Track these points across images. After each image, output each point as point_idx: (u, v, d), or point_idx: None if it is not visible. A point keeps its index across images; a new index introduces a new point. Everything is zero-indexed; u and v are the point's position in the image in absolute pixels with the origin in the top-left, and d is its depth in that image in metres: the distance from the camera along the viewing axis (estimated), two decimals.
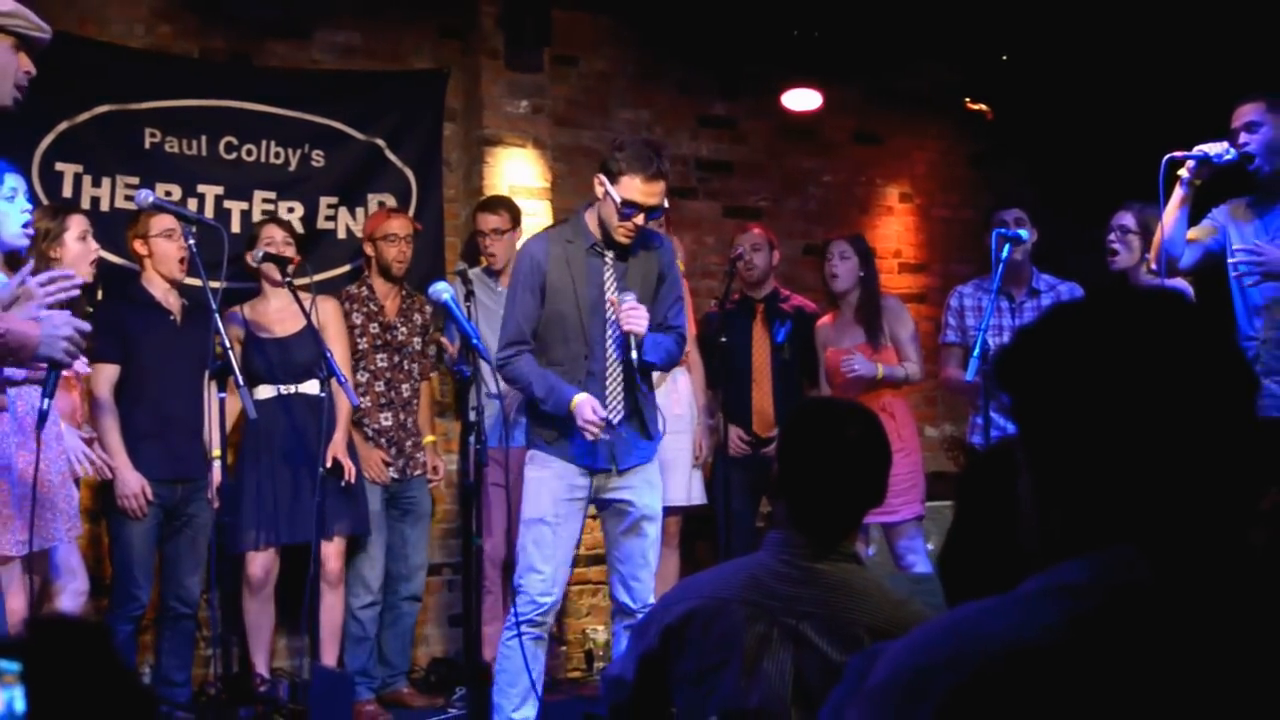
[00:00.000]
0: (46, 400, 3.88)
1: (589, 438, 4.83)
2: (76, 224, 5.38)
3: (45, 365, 3.80)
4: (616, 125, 7.84)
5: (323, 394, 5.91)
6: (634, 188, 4.86)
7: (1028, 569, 1.41)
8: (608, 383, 5.00)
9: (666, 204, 5.02)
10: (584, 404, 4.83)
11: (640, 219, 4.92)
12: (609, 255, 5.01)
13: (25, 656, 1.39)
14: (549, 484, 4.94)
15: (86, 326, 3.79)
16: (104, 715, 1.42)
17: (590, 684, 6.82)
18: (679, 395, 6.62)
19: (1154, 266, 5.47)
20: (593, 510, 5.24)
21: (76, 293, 3.88)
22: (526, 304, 4.96)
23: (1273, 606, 1.31)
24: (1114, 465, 1.33)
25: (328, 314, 6.05)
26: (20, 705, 1.35)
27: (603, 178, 4.94)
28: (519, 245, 6.39)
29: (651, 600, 5.01)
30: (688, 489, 6.65)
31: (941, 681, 1.27)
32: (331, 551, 6.09)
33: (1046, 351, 1.41)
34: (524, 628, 4.86)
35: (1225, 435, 1.35)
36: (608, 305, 4.96)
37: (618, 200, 4.87)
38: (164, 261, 5.88)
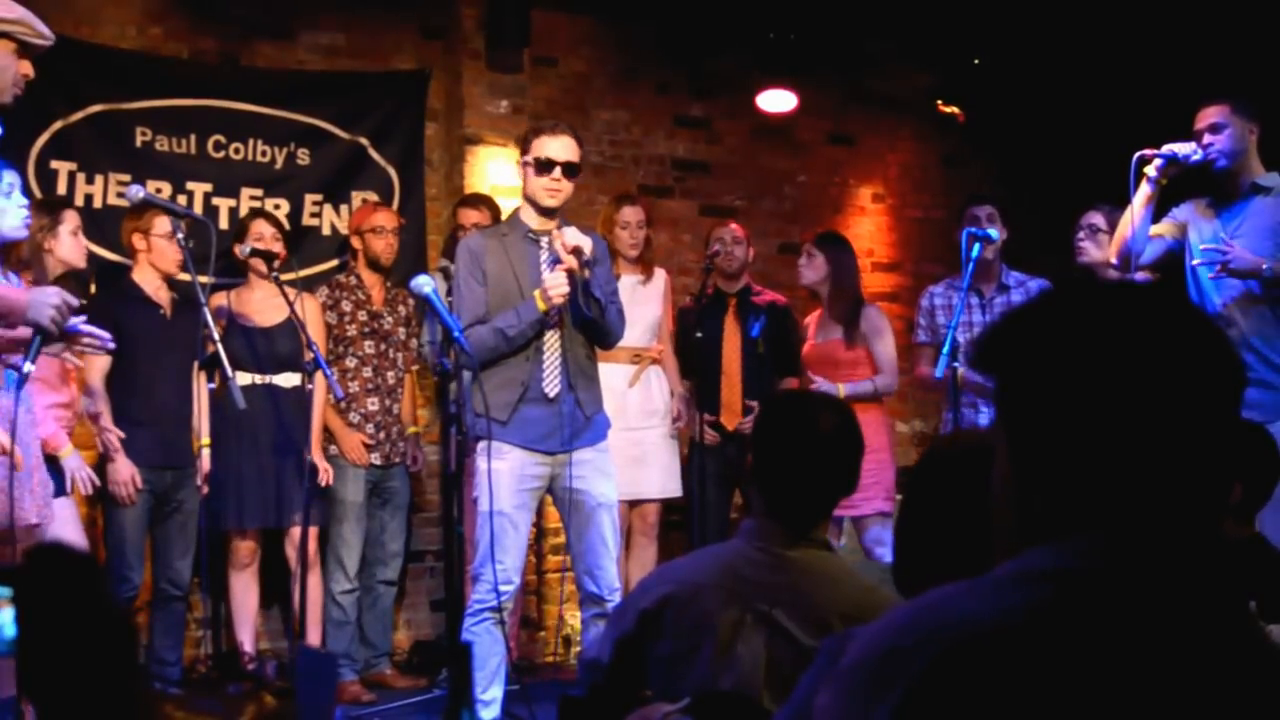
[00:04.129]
0: (28, 363, 3.99)
1: (564, 277, 4.94)
2: (70, 219, 5.52)
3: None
4: (595, 125, 7.97)
5: (301, 385, 6.06)
6: (543, 146, 5.07)
7: (980, 555, 1.46)
8: (544, 358, 5.08)
9: (578, 163, 5.16)
10: (545, 285, 4.96)
11: (558, 174, 5.07)
12: (544, 240, 5.13)
13: (18, 582, 1.53)
14: (505, 476, 4.99)
15: (75, 301, 3.94)
16: (85, 639, 1.53)
17: (567, 667, 6.95)
18: (651, 391, 6.68)
19: (1114, 261, 5.57)
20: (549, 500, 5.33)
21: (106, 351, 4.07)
22: (473, 290, 5.07)
23: (1238, 597, 1.34)
24: (1094, 452, 1.33)
25: (309, 310, 6.17)
26: (10, 630, 1.51)
27: (521, 158, 5.17)
28: None
29: (617, 585, 5.12)
30: (664, 481, 6.71)
31: (912, 663, 1.28)
32: (310, 535, 6.21)
33: (1033, 334, 1.40)
34: (486, 613, 4.95)
35: (1207, 427, 1.35)
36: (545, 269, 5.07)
37: (533, 161, 5.08)
38: (161, 258, 6.00)
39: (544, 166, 5.06)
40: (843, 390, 6.40)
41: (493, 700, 4.98)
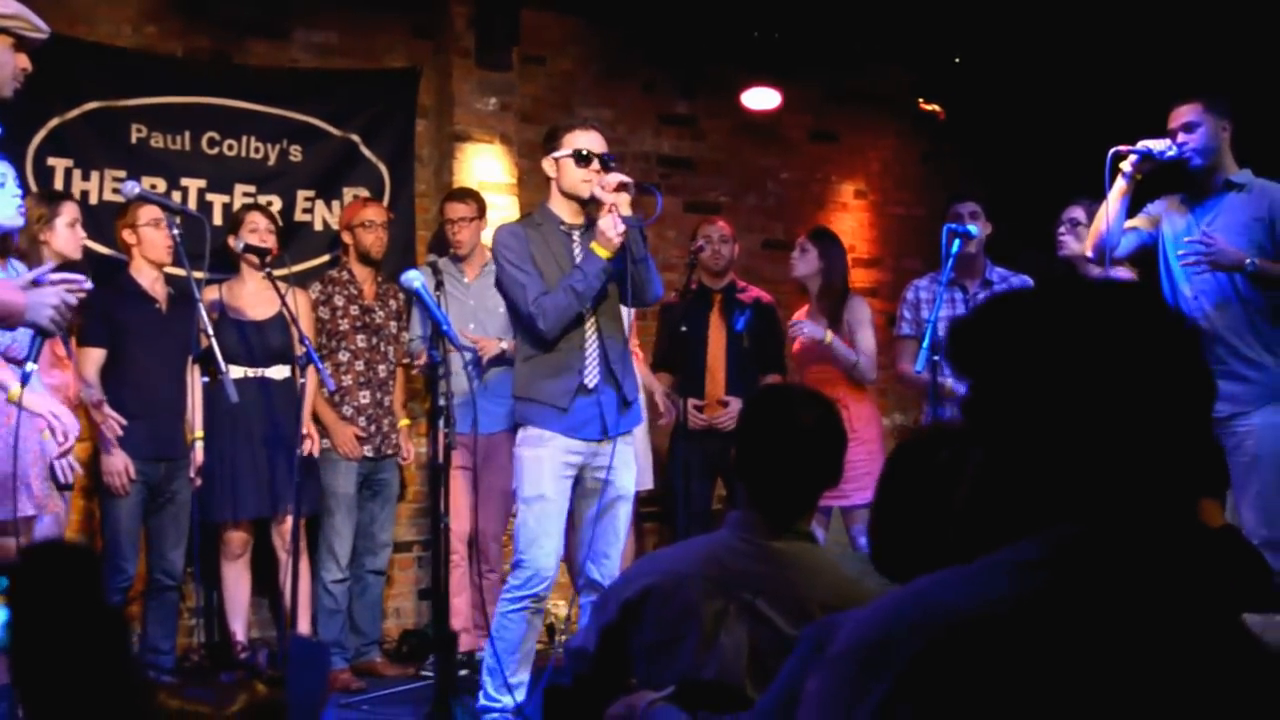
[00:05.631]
0: (30, 364, 4.05)
1: (625, 200, 4.97)
2: (68, 211, 5.58)
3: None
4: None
5: (292, 378, 6.14)
6: (577, 139, 5.11)
7: (952, 543, 1.47)
8: (586, 349, 5.09)
9: (613, 157, 5.19)
10: (600, 230, 4.97)
11: (596, 165, 5.09)
12: (576, 234, 5.15)
13: (14, 576, 1.59)
14: (546, 462, 5.01)
15: (74, 299, 3.97)
16: (78, 635, 1.57)
17: (554, 656, 6.93)
18: None
19: (1089, 254, 5.63)
20: None
21: (84, 293, 4.05)
22: (528, 270, 5.04)
23: (1215, 586, 1.36)
24: (1072, 446, 1.35)
25: (300, 305, 6.25)
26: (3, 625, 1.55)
27: (550, 156, 5.16)
28: (484, 235, 6.58)
29: (617, 574, 5.11)
30: (639, 475, 6.65)
31: (902, 649, 1.29)
32: (299, 526, 6.29)
33: (1008, 327, 1.42)
34: (528, 601, 4.99)
35: (1181, 421, 1.37)
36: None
37: (570, 154, 5.10)
38: (152, 248, 6.06)
39: (583, 159, 5.09)
40: (829, 336, 6.49)
41: (520, 684, 5.06)
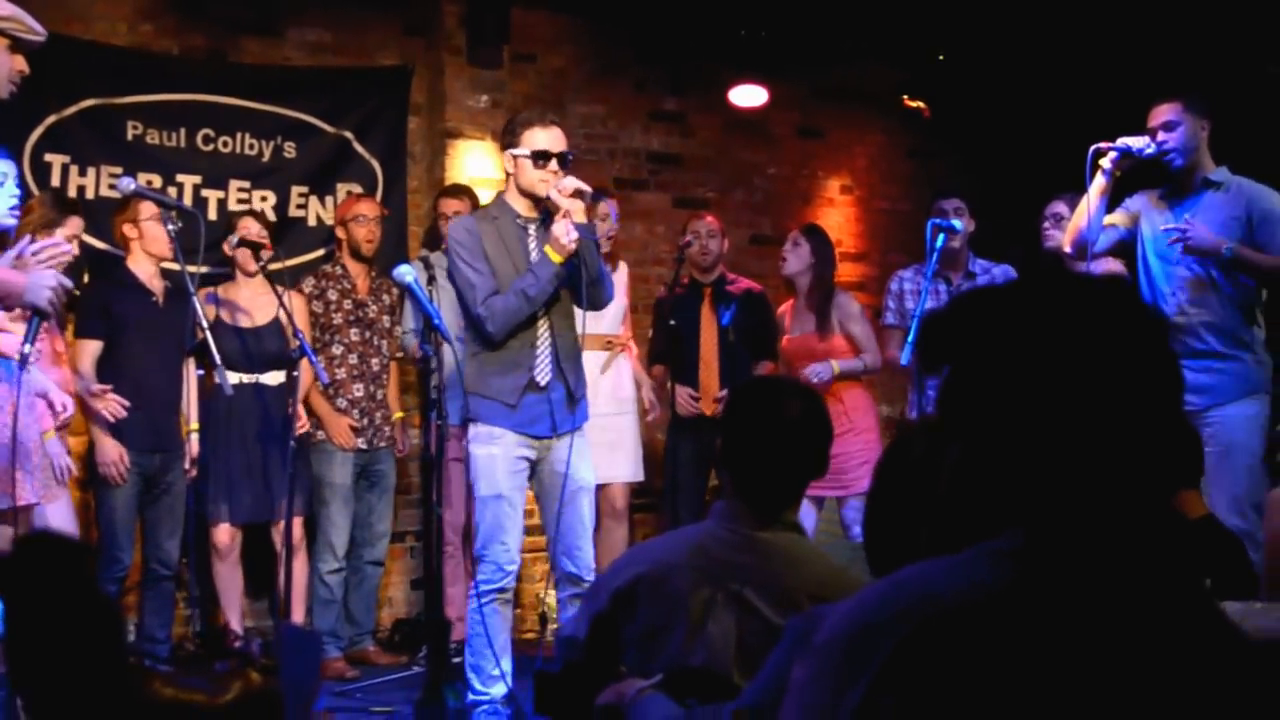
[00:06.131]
0: (27, 345, 4.12)
1: (580, 208, 4.98)
2: (72, 225, 5.65)
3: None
4: (572, 119, 8.06)
5: (287, 382, 6.14)
6: (536, 138, 5.06)
7: (944, 536, 1.47)
8: (538, 347, 5.11)
9: (572, 153, 5.18)
10: (554, 235, 4.96)
11: (554, 165, 5.06)
12: (532, 228, 5.15)
13: (6, 571, 1.63)
14: (500, 459, 5.04)
15: (70, 283, 4.06)
16: (72, 625, 1.61)
17: (545, 644, 6.87)
18: (622, 378, 6.84)
19: (1069, 250, 5.68)
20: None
21: (68, 259, 4.12)
22: (481, 267, 5.05)
23: (1194, 572, 1.38)
24: (1041, 436, 1.36)
25: (295, 306, 6.29)
26: None
27: (508, 151, 5.13)
28: None
29: (594, 565, 5.21)
30: (631, 466, 6.86)
31: (888, 637, 1.30)
32: (295, 522, 6.30)
33: (978, 321, 1.43)
34: (495, 595, 5.05)
35: (1149, 412, 1.38)
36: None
37: (528, 154, 5.06)
38: (154, 243, 6.10)
39: (541, 158, 5.07)
40: (837, 367, 6.56)
41: (504, 674, 5.10)
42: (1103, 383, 1.36)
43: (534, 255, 5.11)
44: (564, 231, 4.96)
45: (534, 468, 5.20)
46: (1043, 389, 1.36)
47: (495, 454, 5.05)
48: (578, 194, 5.00)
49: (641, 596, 2.88)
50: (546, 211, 5.15)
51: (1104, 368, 1.36)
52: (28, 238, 4.33)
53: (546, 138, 5.08)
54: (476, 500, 5.13)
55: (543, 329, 5.12)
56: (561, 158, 5.10)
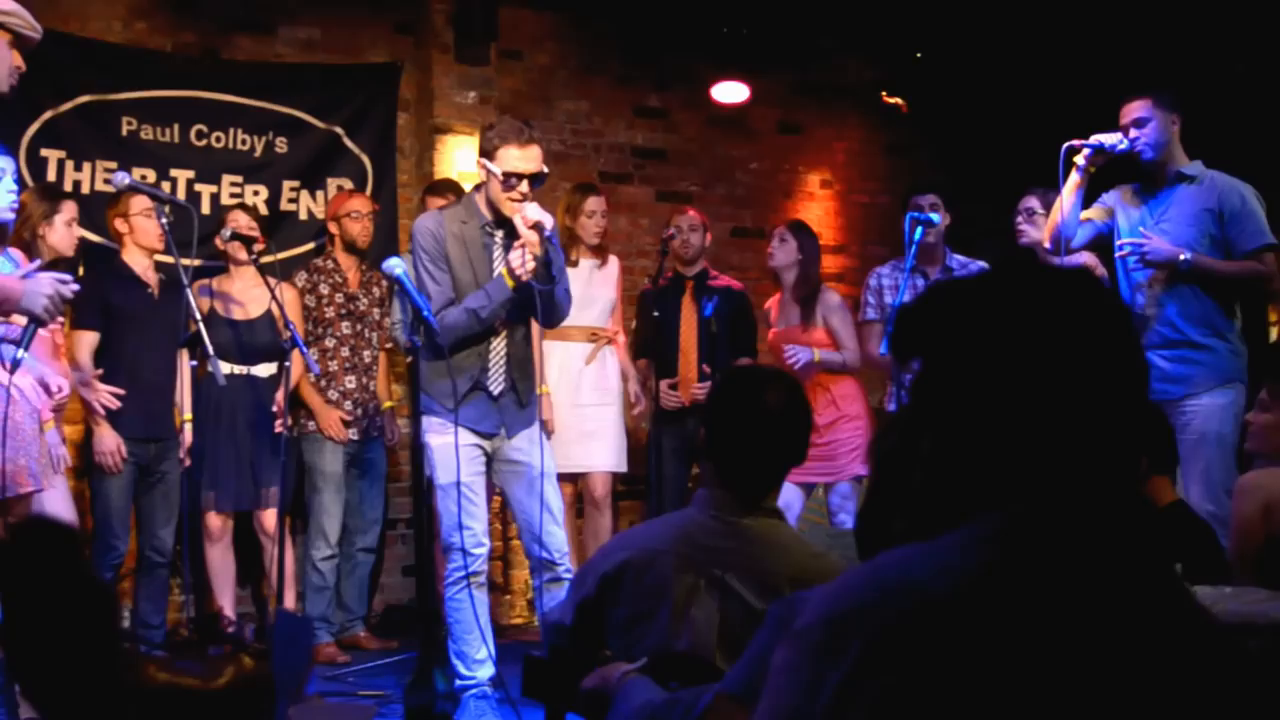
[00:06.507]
0: (21, 350, 4.19)
1: (536, 241, 4.94)
2: (68, 209, 5.72)
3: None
4: (558, 115, 8.22)
5: (278, 375, 6.30)
6: (510, 158, 4.97)
7: (919, 525, 1.47)
8: (491, 356, 5.15)
9: (546, 170, 5.08)
10: (511, 263, 4.95)
11: (525, 187, 5.00)
12: (499, 235, 5.13)
13: (1, 555, 1.66)
14: (454, 448, 5.03)
15: (69, 292, 4.11)
16: (67, 611, 1.64)
17: (532, 629, 7.10)
18: (606, 370, 6.91)
19: (1046, 245, 5.78)
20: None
21: (70, 294, 4.18)
22: (440, 275, 5.06)
23: (1164, 557, 1.40)
24: (1011, 424, 1.37)
25: (287, 298, 6.38)
26: None
27: (483, 160, 5.06)
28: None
29: (566, 549, 5.26)
30: (616, 455, 6.93)
31: (867, 622, 1.31)
32: (271, 512, 6.46)
33: (949, 312, 1.44)
34: (465, 580, 5.06)
35: (1116, 400, 1.39)
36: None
37: (499, 174, 4.98)
38: (145, 236, 6.18)
39: (510, 178, 5.00)
40: (818, 355, 6.64)
41: (485, 659, 5.15)
42: (1068, 370, 1.37)
43: (497, 263, 5.12)
44: (519, 261, 4.96)
45: (489, 461, 5.24)
46: (1009, 377, 1.38)
47: (449, 442, 5.04)
48: (537, 227, 4.97)
49: (627, 582, 2.93)
50: (511, 229, 5.13)
51: (1069, 356, 1.38)
52: (37, 261, 4.42)
53: (521, 158, 5.00)
54: (437, 490, 5.16)
55: (497, 341, 5.17)
56: (535, 178, 5.04)
